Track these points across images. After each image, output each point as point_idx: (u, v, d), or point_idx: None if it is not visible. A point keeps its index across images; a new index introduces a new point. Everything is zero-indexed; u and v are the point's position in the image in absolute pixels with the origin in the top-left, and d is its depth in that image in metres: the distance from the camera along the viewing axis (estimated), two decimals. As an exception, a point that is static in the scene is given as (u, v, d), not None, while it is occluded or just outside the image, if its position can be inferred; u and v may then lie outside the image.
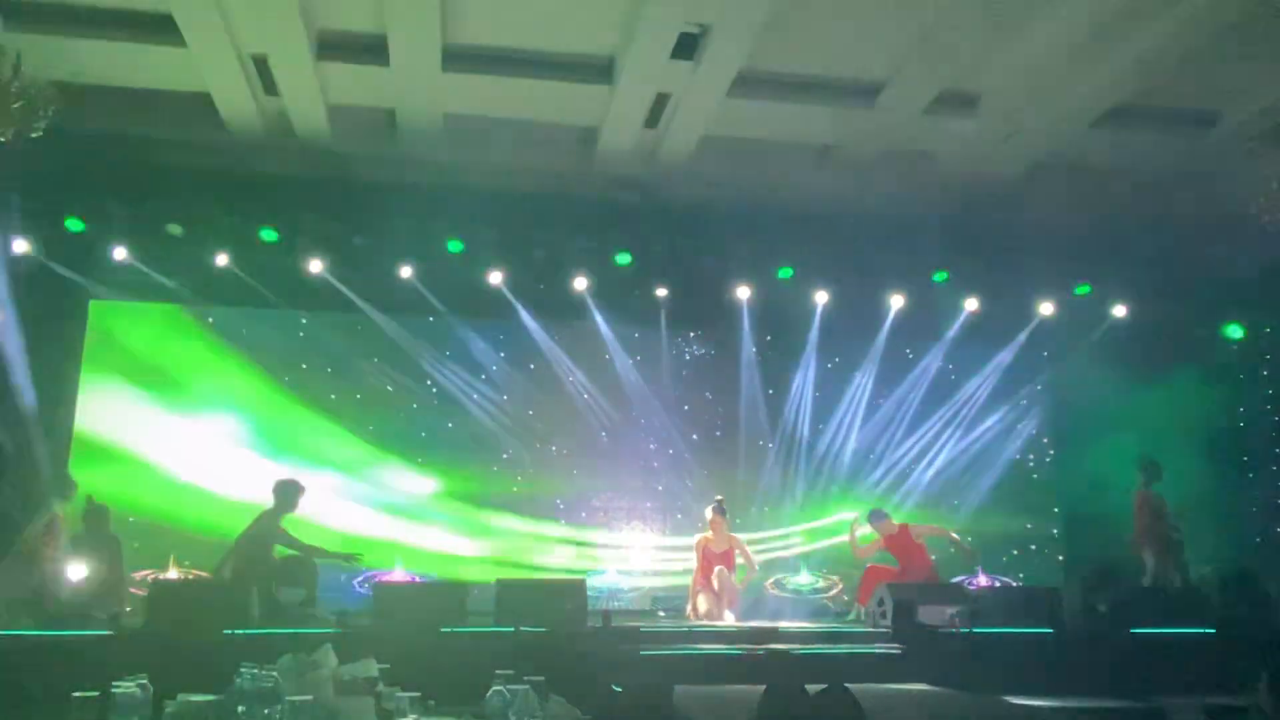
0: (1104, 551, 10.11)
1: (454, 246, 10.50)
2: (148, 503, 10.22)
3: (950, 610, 8.05)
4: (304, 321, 11.02)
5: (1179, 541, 9.57)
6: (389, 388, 11.14)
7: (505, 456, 11.32)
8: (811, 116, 9.34)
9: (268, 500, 8.59)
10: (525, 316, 11.05)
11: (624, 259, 10.84)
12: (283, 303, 10.65)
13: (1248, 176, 9.90)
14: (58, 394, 10.07)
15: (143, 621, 7.19)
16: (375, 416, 11.05)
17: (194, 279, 10.32)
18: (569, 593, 7.90)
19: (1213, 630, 8.11)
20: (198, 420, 10.66)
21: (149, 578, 9.46)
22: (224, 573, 8.27)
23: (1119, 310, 11.41)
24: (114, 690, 3.29)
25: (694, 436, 11.80)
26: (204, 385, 10.73)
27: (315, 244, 10.27)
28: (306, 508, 8.80)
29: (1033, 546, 11.90)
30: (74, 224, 9.76)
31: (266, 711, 3.31)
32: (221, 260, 10.18)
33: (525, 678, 3.67)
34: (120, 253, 9.93)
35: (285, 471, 9.42)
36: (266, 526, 8.34)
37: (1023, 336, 11.70)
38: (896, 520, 9.87)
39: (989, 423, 12.15)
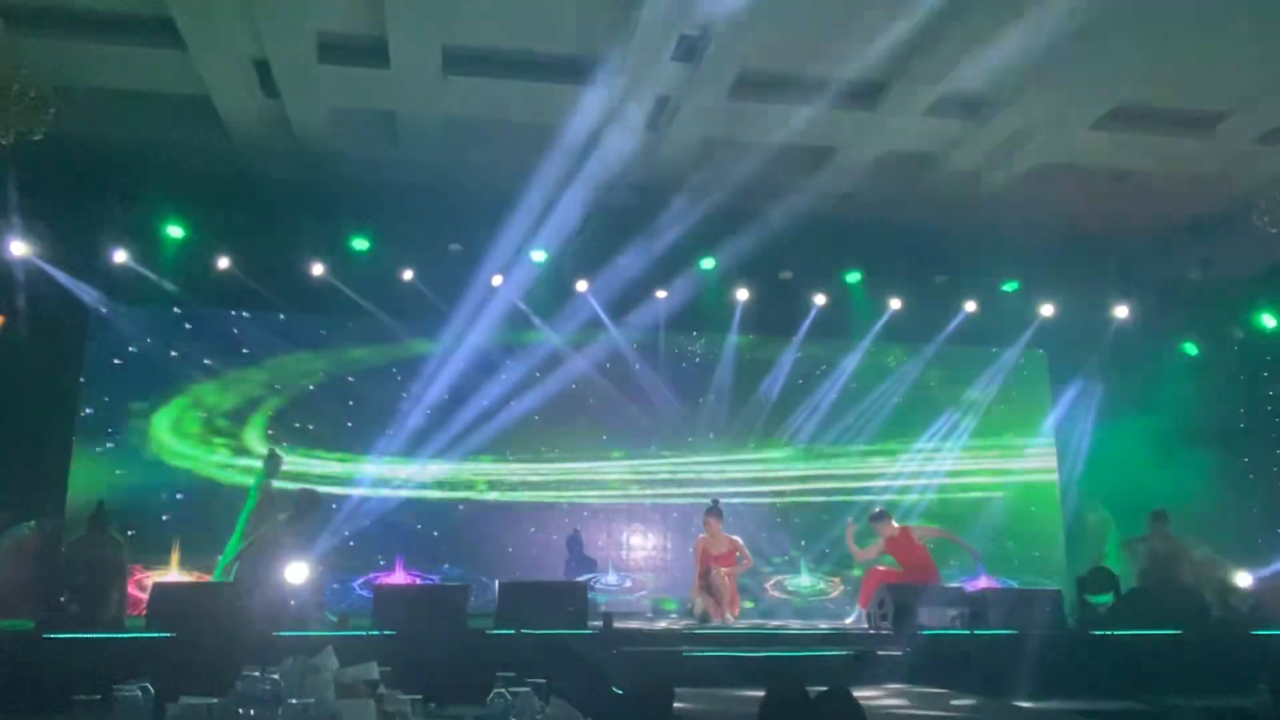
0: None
1: (454, 248, 10.51)
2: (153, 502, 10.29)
3: (951, 612, 8.06)
4: (304, 323, 11.04)
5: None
6: (389, 388, 11.16)
7: (497, 460, 11.33)
8: (812, 118, 9.34)
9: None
10: (524, 318, 11.05)
11: (624, 261, 10.86)
12: (284, 305, 10.66)
13: (1248, 177, 9.93)
14: (58, 395, 10.07)
15: (144, 624, 7.20)
16: (375, 417, 11.06)
17: (194, 282, 10.33)
18: (570, 595, 7.90)
19: (1214, 631, 8.12)
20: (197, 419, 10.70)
21: (146, 579, 9.47)
22: (231, 574, 8.31)
23: (1120, 312, 11.41)
24: (115, 693, 3.30)
25: (688, 440, 11.80)
26: (202, 384, 10.76)
27: (316, 247, 10.29)
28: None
29: (1036, 552, 11.91)
30: (75, 227, 9.75)
31: (268, 715, 3.32)
32: (222, 263, 10.19)
33: (526, 680, 3.67)
34: (120, 255, 9.94)
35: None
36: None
37: (1026, 337, 11.69)
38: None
39: (989, 425, 12.16)
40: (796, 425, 11.89)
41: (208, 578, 9.47)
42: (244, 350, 10.90)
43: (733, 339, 11.73)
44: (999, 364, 12.08)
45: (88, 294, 10.18)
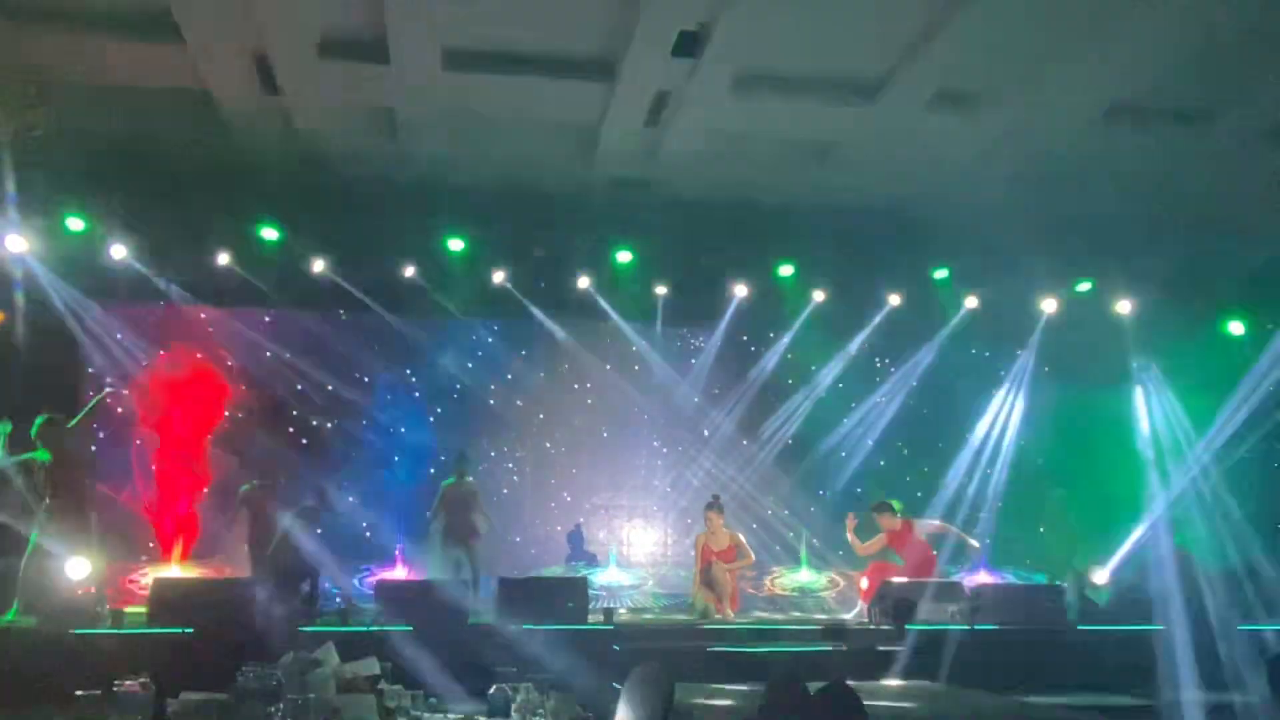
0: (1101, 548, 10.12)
1: (455, 244, 10.52)
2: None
3: (952, 607, 8.07)
4: (305, 320, 11.05)
5: None
6: (389, 385, 11.17)
7: (493, 455, 11.32)
8: (811, 115, 9.34)
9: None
10: (526, 314, 11.05)
11: (625, 256, 10.86)
12: (284, 301, 10.66)
13: (1248, 174, 9.92)
14: (58, 393, 10.07)
15: (145, 619, 7.20)
16: (377, 415, 11.07)
17: (194, 277, 10.33)
18: (570, 590, 7.91)
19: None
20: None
21: (144, 573, 9.49)
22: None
23: (1122, 307, 11.41)
24: (116, 688, 3.31)
25: (704, 432, 11.79)
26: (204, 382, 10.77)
27: (316, 242, 10.29)
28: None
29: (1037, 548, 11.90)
30: (74, 222, 9.74)
31: (269, 709, 3.33)
32: (222, 259, 10.18)
33: (527, 675, 3.69)
34: (120, 251, 9.93)
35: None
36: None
37: (1036, 334, 11.68)
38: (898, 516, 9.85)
39: (990, 421, 12.15)
40: (796, 421, 11.88)
41: (209, 573, 9.52)
42: (244, 348, 10.90)
43: (736, 336, 11.72)
44: (997, 360, 12.08)
45: (86, 289, 10.17)
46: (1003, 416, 11.88)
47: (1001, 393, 11.94)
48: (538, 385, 11.41)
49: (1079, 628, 8.25)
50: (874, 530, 9.70)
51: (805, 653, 7.48)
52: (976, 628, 7.76)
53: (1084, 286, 11.44)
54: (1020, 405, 11.82)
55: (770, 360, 11.82)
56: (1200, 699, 6.78)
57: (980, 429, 11.83)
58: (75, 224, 9.69)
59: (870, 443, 11.83)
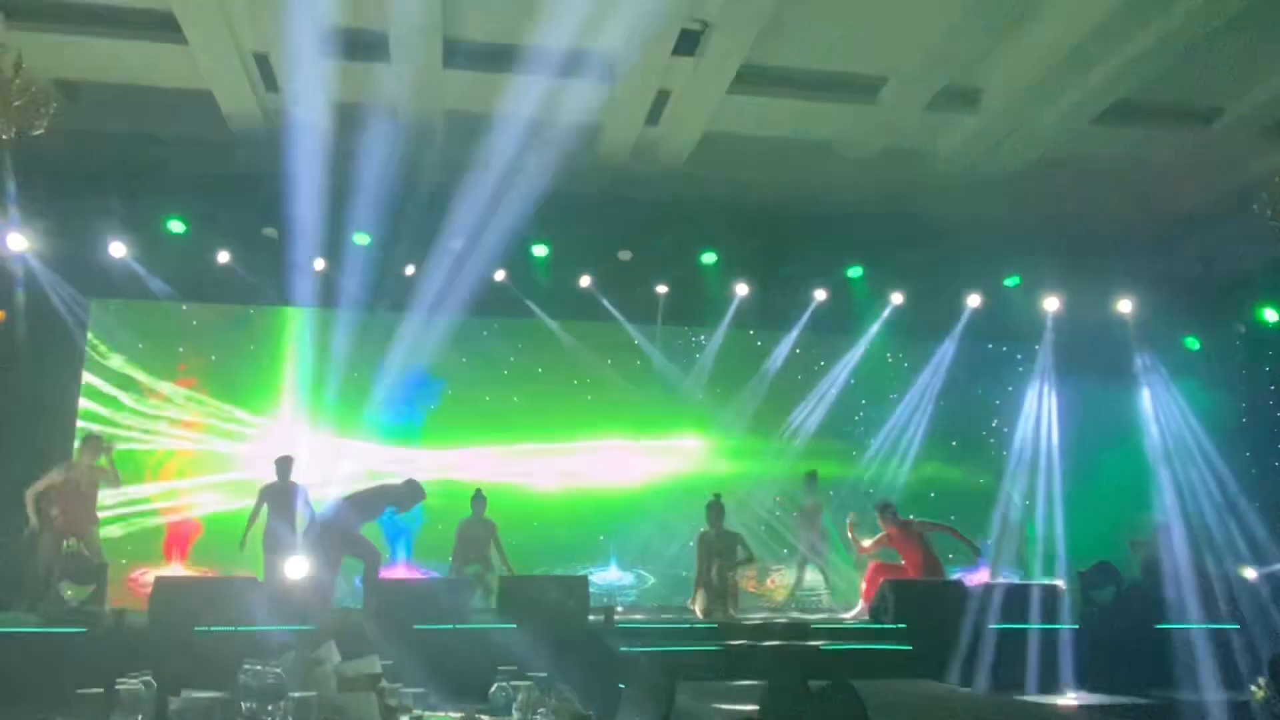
0: (1105, 548, 10.10)
1: (456, 244, 10.50)
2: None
3: (953, 606, 8.07)
4: (304, 319, 11.03)
5: None
6: (386, 385, 11.15)
7: (490, 455, 11.31)
8: (812, 113, 9.34)
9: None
10: (525, 311, 11.04)
11: (625, 256, 10.85)
12: (284, 301, 10.65)
13: (1250, 171, 9.92)
14: (59, 391, 10.07)
15: (146, 618, 7.20)
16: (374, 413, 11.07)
17: (195, 276, 10.33)
18: (572, 589, 7.91)
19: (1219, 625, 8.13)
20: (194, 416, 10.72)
21: (146, 574, 9.49)
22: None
23: (1122, 305, 11.41)
24: (117, 687, 3.29)
25: (709, 430, 11.76)
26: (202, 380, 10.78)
27: (317, 242, 10.28)
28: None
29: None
30: (75, 221, 9.73)
31: (270, 708, 3.32)
32: (223, 258, 10.18)
33: (528, 674, 3.68)
34: (120, 250, 9.92)
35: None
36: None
37: (1047, 334, 11.66)
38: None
39: (992, 419, 12.14)
40: (797, 420, 11.86)
41: (210, 572, 9.51)
42: (245, 346, 10.89)
43: (732, 333, 11.71)
44: (998, 358, 12.05)
45: (87, 288, 10.16)
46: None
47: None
48: (540, 386, 11.39)
49: (1079, 628, 8.24)
50: (874, 529, 9.71)
51: (806, 651, 7.47)
52: (978, 626, 7.76)
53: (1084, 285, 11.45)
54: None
55: (776, 359, 11.81)
56: (1199, 698, 6.79)
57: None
58: (76, 223, 9.70)
59: (874, 441, 11.82)
